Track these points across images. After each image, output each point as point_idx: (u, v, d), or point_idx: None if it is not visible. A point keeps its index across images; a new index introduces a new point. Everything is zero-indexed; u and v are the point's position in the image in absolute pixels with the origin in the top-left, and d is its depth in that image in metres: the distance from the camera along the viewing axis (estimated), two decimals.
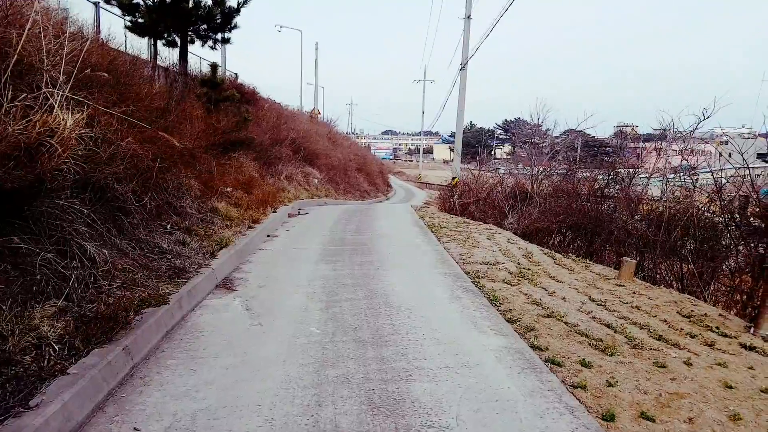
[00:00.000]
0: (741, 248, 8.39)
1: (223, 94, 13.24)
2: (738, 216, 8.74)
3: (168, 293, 5.17)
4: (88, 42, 5.86)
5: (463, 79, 20.99)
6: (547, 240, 12.10)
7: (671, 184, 11.32)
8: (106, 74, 6.72)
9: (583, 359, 4.39)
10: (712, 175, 9.39)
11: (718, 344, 5.06)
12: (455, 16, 21.67)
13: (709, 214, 9.61)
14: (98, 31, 11.38)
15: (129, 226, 6.35)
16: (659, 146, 12.50)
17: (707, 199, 9.95)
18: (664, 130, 11.97)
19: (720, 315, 6.18)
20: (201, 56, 18.20)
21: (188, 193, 8.80)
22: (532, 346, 4.63)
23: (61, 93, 5.27)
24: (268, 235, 9.52)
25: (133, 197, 6.65)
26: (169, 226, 7.33)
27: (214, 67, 13.54)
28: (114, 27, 14.55)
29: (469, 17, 20.97)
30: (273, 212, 11.18)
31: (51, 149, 4.87)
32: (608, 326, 5.32)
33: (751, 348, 5.05)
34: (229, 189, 10.70)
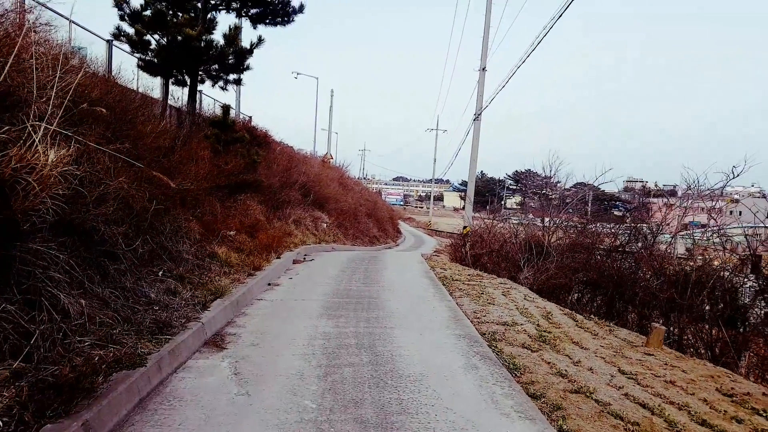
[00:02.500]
0: None
1: (233, 135, 12.92)
2: None
3: (147, 353, 4.59)
4: (80, 74, 5.42)
5: (476, 128, 20.84)
6: (564, 297, 11.41)
7: (698, 243, 10.70)
8: (103, 109, 6.30)
9: None
10: (746, 236, 8.80)
11: None
12: (470, 67, 21.91)
13: (740, 278, 8.98)
14: (109, 68, 11.18)
15: (115, 273, 5.81)
16: (683, 204, 11.92)
17: (738, 260, 9.35)
18: (689, 187, 11.45)
19: (764, 394, 5.49)
20: (215, 98, 18.11)
21: (187, 236, 8.29)
22: (561, 431, 3.99)
23: (44, 127, 4.83)
24: (269, 284, 8.93)
25: (123, 241, 6.12)
26: (161, 273, 6.78)
27: (225, 108, 13.30)
28: (127, 65, 14.43)
29: (484, 69, 20.94)
30: (277, 258, 10.62)
31: (28, 187, 4.40)
32: (644, 406, 4.67)
33: None
34: (232, 232, 10.20)
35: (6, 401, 3.23)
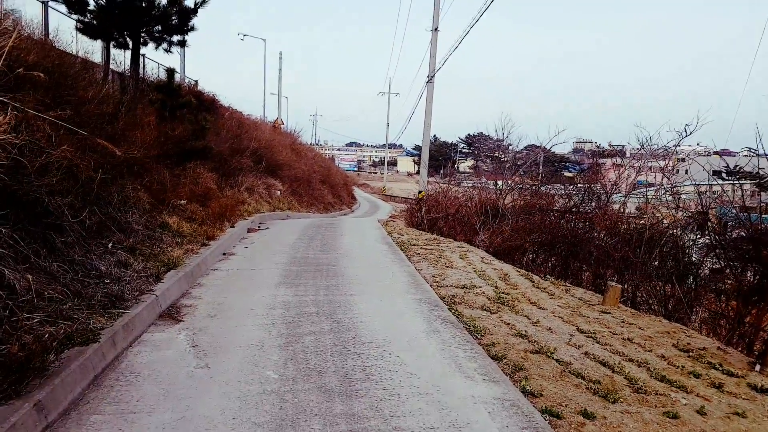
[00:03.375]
0: (728, 271, 8.01)
1: (180, 100, 12.39)
2: (721, 238, 8.40)
3: (100, 327, 4.41)
4: (14, 37, 5.04)
5: (430, 91, 20.61)
6: (520, 259, 11.61)
7: (650, 201, 10.98)
8: (41, 74, 5.92)
9: (585, 409, 3.81)
10: (699, 195, 9.07)
11: (727, 386, 4.57)
12: (423, 28, 21.31)
13: (691, 235, 9.29)
14: (46, 31, 10.52)
15: (62, 246, 5.53)
16: (637, 164, 12.19)
17: (689, 218, 9.65)
18: (642, 146, 11.70)
19: (719, 348, 5.72)
20: (159, 62, 17.31)
21: (136, 206, 7.98)
22: (524, 391, 4.03)
23: None
24: (224, 253, 8.74)
25: (69, 212, 5.82)
26: (110, 245, 6.51)
27: (170, 72, 12.70)
28: (66, 27, 13.60)
29: (436, 29, 20.63)
30: (231, 227, 10.39)
31: None
32: (604, 364, 4.77)
33: (764, 390, 4.59)
34: (182, 202, 9.88)
35: None
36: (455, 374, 4.26)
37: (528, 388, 4.10)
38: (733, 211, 8.28)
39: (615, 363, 4.80)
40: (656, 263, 9.37)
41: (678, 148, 11.74)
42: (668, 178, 10.88)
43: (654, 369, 4.78)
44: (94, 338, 4.19)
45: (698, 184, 10.53)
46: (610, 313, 6.76)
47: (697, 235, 9.24)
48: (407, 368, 4.32)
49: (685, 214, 9.86)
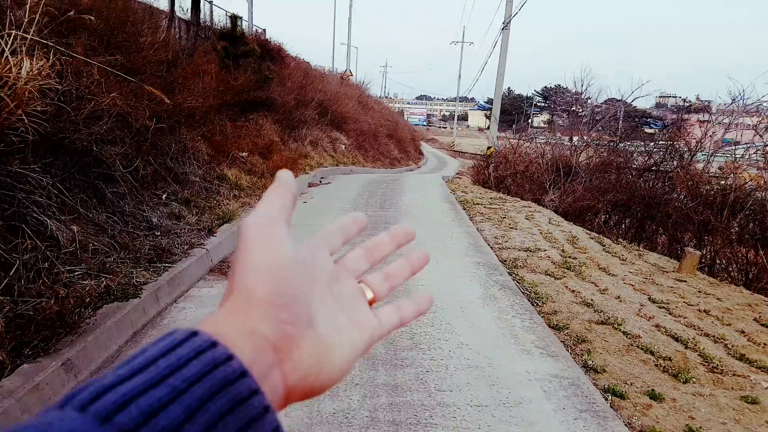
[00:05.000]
0: None
1: (243, 49, 12.20)
2: None
3: (143, 282, 4.30)
4: None
5: (505, 39, 19.27)
6: (591, 220, 10.93)
7: (738, 161, 9.93)
8: (92, 17, 5.76)
9: (652, 389, 3.42)
10: None
11: None
12: None
13: None
14: None
15: (113, 197, 5.46)
16: (727, 119, 11.05)
17: None
18: (733, 100, 10.55)
19: None
20: (226, 9, 17.16)
21: (194, 157, 7.90)
22: (586, 366, 3.66)
23: (19, 35, 4.38)
24: None
25: (121, 162, 5.74)
26: (164, 196, 6.44)
27: (233, 18, 12.50)
28: None
29: None
30: None
31: (1, 104, 4.01)
32: (676, 339, 4.31)
33: None
34: (244, 154, 9.78)
35: None
36: (510, 346, 3.88)
37: (590, 362, 3.73)
38: None
39: (689, 338, 4.34)
40: (735, 228, 8.56)
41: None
42: (760, 136, 9.76)
43: (732, 346, 4.28)
44: (135, 293, 4.08)
45: None
46: (685, 281, 6.19)
47: None
48: (458, 338, 3.96)
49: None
